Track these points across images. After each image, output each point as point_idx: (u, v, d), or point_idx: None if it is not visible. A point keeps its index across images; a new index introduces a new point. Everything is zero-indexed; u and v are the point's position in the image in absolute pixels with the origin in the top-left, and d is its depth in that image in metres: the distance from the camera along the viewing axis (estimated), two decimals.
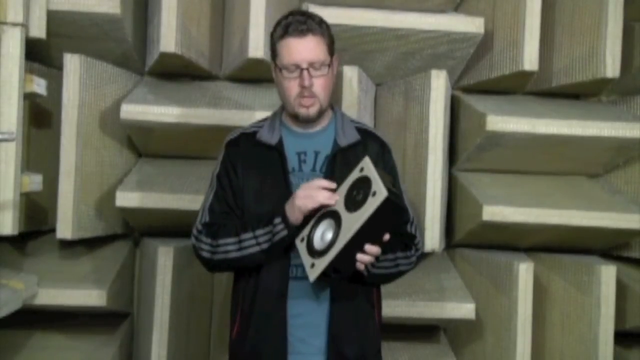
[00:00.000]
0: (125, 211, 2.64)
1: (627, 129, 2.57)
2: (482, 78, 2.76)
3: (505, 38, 2.65)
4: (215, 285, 2.86)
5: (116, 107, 2.55)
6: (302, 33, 1.73)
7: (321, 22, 1.79)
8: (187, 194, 2.56)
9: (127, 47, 2.68)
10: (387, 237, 1.65)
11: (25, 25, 2.31)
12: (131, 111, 2.50)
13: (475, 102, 2.69)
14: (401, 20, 2.61)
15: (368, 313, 1.84)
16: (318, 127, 1.84)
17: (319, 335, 1.77)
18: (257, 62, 2.53)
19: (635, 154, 2.71)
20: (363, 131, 1.88)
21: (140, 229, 2.86)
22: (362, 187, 1.61)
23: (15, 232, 2.29)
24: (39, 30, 2.39)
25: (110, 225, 2.74)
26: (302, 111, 1.76)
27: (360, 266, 1.66)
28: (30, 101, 2.52)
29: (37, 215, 2.66)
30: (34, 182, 2.39)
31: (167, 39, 2.49)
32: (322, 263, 1.62)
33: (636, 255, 2.79)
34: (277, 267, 1.76)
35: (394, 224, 1.69)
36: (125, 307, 2.86)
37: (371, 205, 1.57)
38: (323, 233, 1.66)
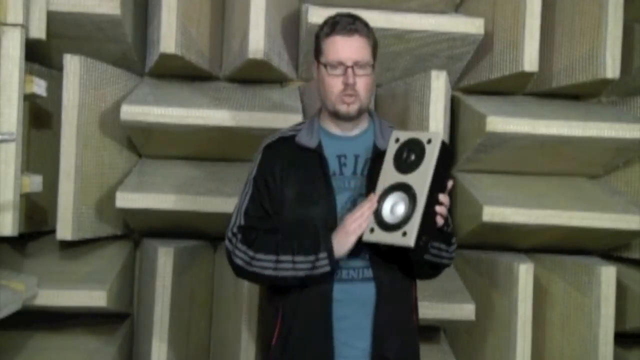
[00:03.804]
0: (125, 212, 2.64)
1: (627, 130, 2.57)
2: (482, 79, 2.76)
3: (506, 39, 2.65)
4: (215, 286, 2.86)
5: (116, 108, 2.54)
6: (349, 32, 1.76)
7: (367, 25, 1.81)
8: (187, 195, 2.55)
9: (127, 48, 2.68)
10: (450, 183, 1.71)
11: (25, 26, 2.30)
12: (131, 112, 2.50)
13: (476, 103, 2.69)
14: (401, 21, 2.61)
15: (409, 315, 1.84)
16: (356, 131, 1.84)
17: (363, 338, 1.76)
18: (257, 62, 2.53)
19: (635, 155, 2.71)
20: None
21: (141, 229, 2.86)
22: (409, 150, 1.68)
23: (15, 233, 2.28)
24: (38, 31, 2.38)
25: (111, 226, 2.74)
26: (343, 108, 1.76)
27: (439, 221, 1.68)
28: (30, 102, 2.52)
29: (37, 216, 2.66)
30: (34, 182, 2.38)
31: (167, 39, 2.49)
32: (414, 224, 1.62)
33: (636, 256, 2.79)
34: None
35: (450, 168, 1.74)
36: (125, 307, 2.86)
37: (433, 150, 1.65)
38: (392, 208, 1.67)
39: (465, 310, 2.63)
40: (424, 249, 1.68)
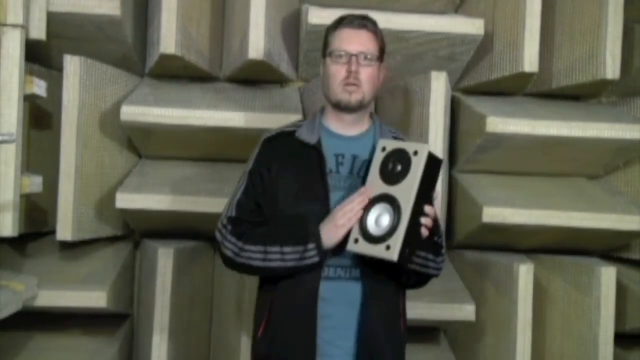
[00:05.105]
0: (125, 213, 2.64)
1: (627, 130, 2.57)
2: (482, 79, 2.76)
3: (505, 39, 2.65)
4: (215, 287, 2.86)
5: (116, 108, 2.54)
6: (357, 26, 1.80)
7: (376, 25, 1.84)
8: (187, 196, 2.55)
9: (127, 48, 2.68)
10: (436, 194, 1.72)
11: (25, 27, 2.31)
12: (131, 112, 2.50)
13: (475, 104, 2.69)
14: (401, 22, 2.60)
15: (396, 320, 1.84)
16: (356, 131, 1.85)
17: (347, 338, 1.76)
18: (257, 63, 2.53)
19: (635, 156, 2.71)
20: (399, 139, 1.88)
21: (140, 230, 2.86)
22: (395, 160, 1.68)
23: (16, 234, 2.29)
24: (38, 31, 2.39)
25: (111, 227, 2.74)
26: (345, 97, 1.77)
27: (424, 232, 1.68)
28: (30, 102, 2.52)
29: (37, 216, 2.66)
30: (34, 183, 2.38)
31: (167, 40, 2.49)
32: (398, 238, 1.61)
33: (636, 256, 2.79)
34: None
35: (436, 178, 1.73)
36: (125, 308, 2.86)
37: (419, 163, 1.64)
38: (376, 220, 1.67)
39: (465, 311, 2.63)
40: (407, 261, 1.68)
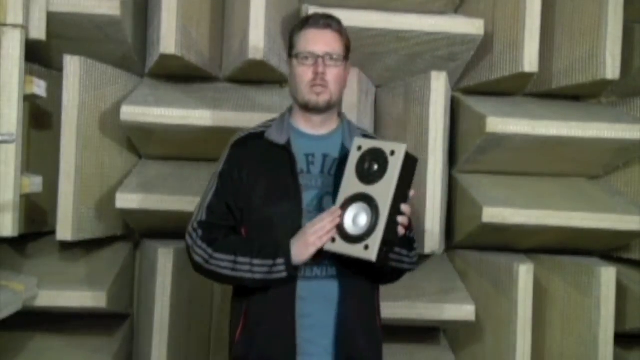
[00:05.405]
0: (125, 213, 2.64)
1: (627, 130, 2.57)
2: (482, 79, 2.76)
3: (505, 39, 2.65)
4: (215, 287, 2.86)
5: (116, 108, 2.54)
6: (322, 26, 1.80)
7: (341, 23, 1.84)
8: (187, 196, 2.55)
9: (127, 48, 2.68)
10: (412, 193, 1.72)
11: (25, 27, 2.31)
12: (131, 113, 2.50)
13: (475, 104, 2.69)
14: (401, 22, 2.61)
15: (372, 316, 1.85)
16: (325, 130, 1.86)
17: (326, 335, 1.76)
18: (257, 63, 2.53)
19: (635, 156, 2.71)
20: (370, 138, 1.88)
21: (140, 230, 2.86)
22: (371, 160, 1.67)
23: (15, 234, 2.29)
24: (39, 31, 2.39)
25: (110, 227, 2.74)
26: (312, 98, 1.78)
27: (401, 230, 1.69)
28: (30, 103, 2.52)
29: (37, 216, 2.66)
30: (34, 183, 2.39)
31: (167, 40, 2.49)
32: (376, 237, 1.62)
33: (636, 257, 2.79)
34: None
35: (412, 177, 1.73)
36: (125, 308, 2.86)
37: (397, 162, 1.63)
38: (354, 219, 1.67)
39: (465, 311, 2.63)
40: (385, 260, 1.69)
